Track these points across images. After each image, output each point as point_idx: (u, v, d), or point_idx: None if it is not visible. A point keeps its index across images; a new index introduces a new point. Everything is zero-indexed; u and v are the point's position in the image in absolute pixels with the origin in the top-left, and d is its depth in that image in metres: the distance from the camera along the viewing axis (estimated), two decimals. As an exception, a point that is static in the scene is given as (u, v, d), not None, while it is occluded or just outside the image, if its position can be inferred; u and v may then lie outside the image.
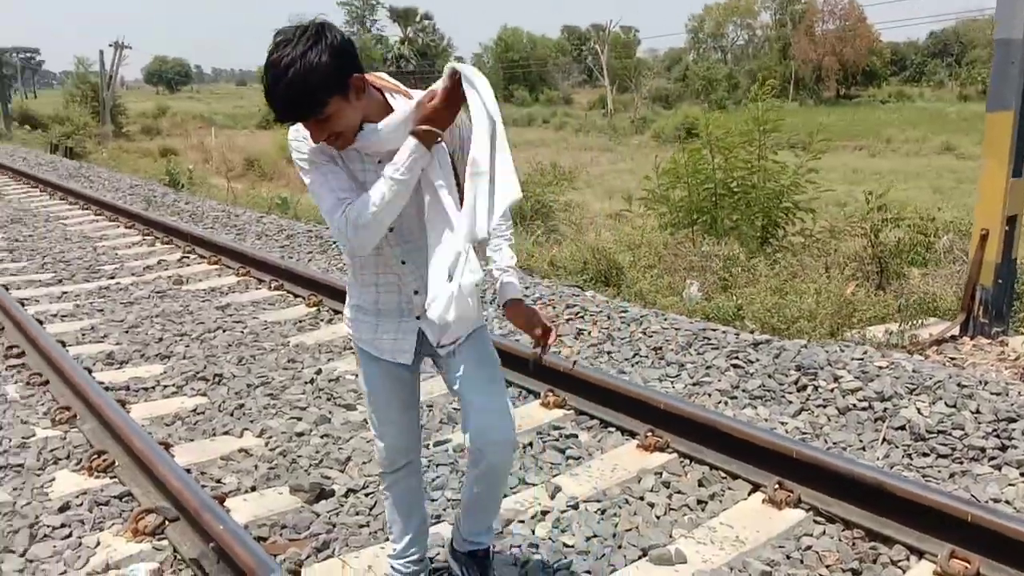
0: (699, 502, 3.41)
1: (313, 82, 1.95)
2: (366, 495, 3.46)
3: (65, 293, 6.86)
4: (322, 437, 4.00)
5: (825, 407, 4.09)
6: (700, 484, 3.54)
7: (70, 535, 3.13)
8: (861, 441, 3.78)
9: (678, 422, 3.82)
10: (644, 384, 4.50)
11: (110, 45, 41.34)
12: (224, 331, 5.72)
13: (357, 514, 3.31)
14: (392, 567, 2.69)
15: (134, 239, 9.21)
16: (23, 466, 3.68)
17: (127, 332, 5.75)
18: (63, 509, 3.31)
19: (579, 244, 8.12)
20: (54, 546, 3.05)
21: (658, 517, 3.31)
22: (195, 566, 2.89)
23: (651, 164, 9.87)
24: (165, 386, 4.73)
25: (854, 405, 4.03)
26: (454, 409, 4.33)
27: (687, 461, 3.74)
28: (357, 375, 2.65)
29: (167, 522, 3.14)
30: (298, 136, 2.16)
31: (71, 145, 25.38)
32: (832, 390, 4.17)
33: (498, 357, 2.55)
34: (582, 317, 5.66)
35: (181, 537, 3.06)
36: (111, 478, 3.58)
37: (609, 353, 5.08)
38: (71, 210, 11.44)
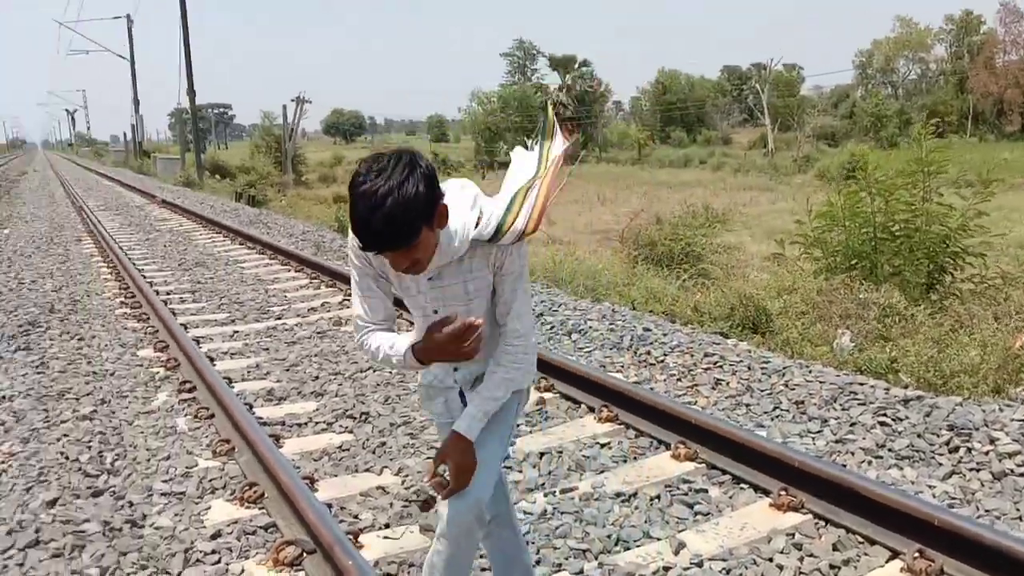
0: (832, 567, 3.26)
1: (411, 213, 1.99)
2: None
3: (236, 332, 7.47)
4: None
5: (978, 471, 3.80)
6: (835, 548, 3.39)
7: (218, 562, 3.42)
8: (1018, 510, 3.49)
9: (814, 482, 3.67)
10: (783, 440, 4.36)
11: (292, 100, 44.61)
12: (374, 371, 6.03)
13: (481, 557, 3.40)
14: None
15: (302, 282, 9.89)
16: (184, 494, 4.05)
17: (287, 370, 6.19)
18: (215, 536, 3.61)
19: (726, 289, 7.95)
20: (204, 571, 3.33)
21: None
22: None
23: (811, 204, 9.54)
24: (317, 422, 5.05)
25: (1011, 470, 3.73)
26: (583, 456, 4.36)
27: (822, 523, 3.59)
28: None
29: (305, 554, 3.36)
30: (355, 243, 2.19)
31: (253, 193, 27.50)
32: (987, 453, 3.88)
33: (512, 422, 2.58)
34: (720, 367, 5.55)
35: (316, 569, 3.26)
36: (259, 509, 3.86)
37: (748, 406, 4.95)
38: (248, 254, 12.44)
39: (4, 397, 5.62)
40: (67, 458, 4.49)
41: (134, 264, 11.08)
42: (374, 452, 4.56)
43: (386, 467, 4.33)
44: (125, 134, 60.39)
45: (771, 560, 3.32)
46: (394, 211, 1.96)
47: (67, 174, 45.37)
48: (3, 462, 4.48)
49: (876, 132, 55.45)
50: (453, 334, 2.11)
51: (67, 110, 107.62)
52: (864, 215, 8.80)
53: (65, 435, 4.82)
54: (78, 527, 3.70)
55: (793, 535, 3.48)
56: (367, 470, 4.32)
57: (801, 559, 3.32)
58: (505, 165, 2.53)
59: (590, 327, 6.75)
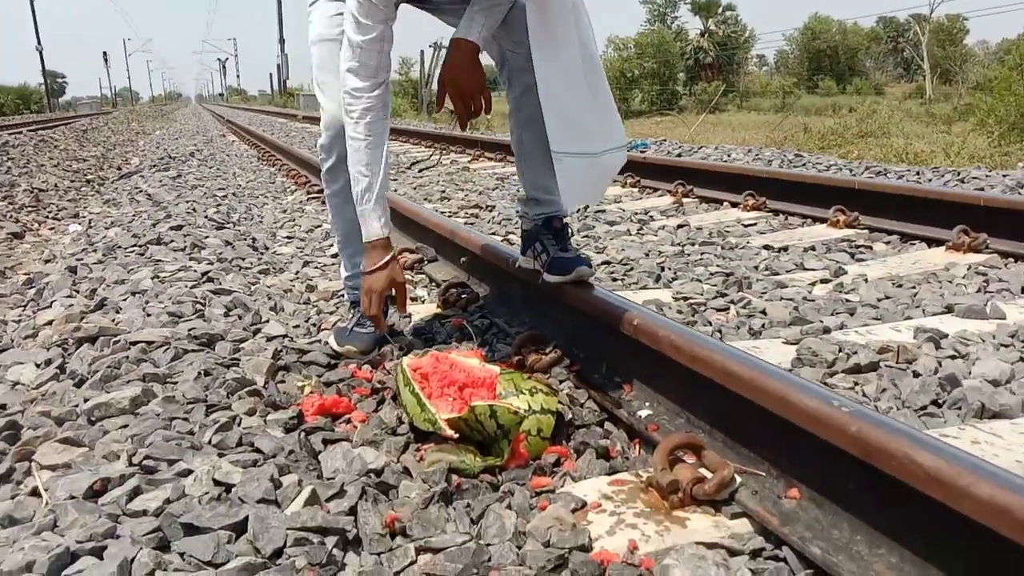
0: (1025, 289, 2.76)
1: None
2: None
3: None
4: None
5: None
6: (1030, 275, 2.87)
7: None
8: None
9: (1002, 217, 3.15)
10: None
11: (430, 45, 45.15)
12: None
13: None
14: (353, 286, 2.34)
15: (433, 151, 9.82)
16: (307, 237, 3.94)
17: (415, 188, 6.05)
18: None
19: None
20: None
21: (968, 291, 2.72)
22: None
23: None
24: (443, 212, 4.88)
25: None
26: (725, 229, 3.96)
27: (1011, 259, 3.07)
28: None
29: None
30: None
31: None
32: None
33: None
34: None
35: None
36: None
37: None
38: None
39: (141, 190, 5.75)
40: (194, 210, 4.49)
41: (272, 139, 11.32)
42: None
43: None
44: (271, 75, 62.65)
45: (951, 282, 2.85)
46: None
47: (214, 109, 47.69)
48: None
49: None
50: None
51: (219, 59, 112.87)
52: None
53: (195, 200, 4.85)
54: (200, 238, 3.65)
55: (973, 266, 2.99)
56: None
57: (986, 281, 2.83)
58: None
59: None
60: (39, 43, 43.42)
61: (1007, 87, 8.70)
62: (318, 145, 2.20)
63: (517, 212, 2.42)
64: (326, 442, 1.58)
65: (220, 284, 2.88)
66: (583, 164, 1.96)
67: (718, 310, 2.62)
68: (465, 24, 2.00)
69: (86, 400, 1.77)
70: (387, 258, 1.99)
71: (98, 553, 1.18)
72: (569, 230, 2.26)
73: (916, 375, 1.96)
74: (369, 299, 2.01)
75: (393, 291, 2.03)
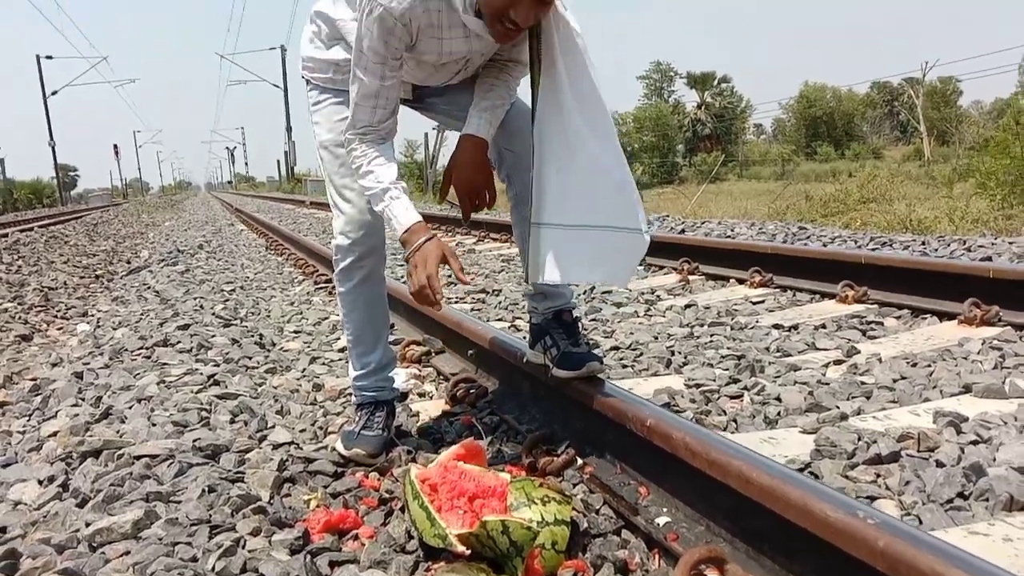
0: (1044, 363, 2.71)
1: None
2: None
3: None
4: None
5: None
6: (1045, 348, 2.83)
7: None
8: None
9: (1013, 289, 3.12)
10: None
11: (433, 128, 46.13)
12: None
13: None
14: (361, 387, 2.28)
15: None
16: (314, 330, 3.93)
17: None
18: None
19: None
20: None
21: (985, 368, 2.68)
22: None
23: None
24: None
25: None
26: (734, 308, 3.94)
27: (1026, 332, 3.03)
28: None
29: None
30: (391, 11, 1.81)
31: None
32: None
33: None
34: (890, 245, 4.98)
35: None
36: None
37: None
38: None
39: (149, 286, 5.78)
40: (202, 307, 4.50)
41: (279, 227, 11.45)
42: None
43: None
44: (279, 162, 63.93)
45: (966, 358, 2.81)
46: None
47: (223, 197, 48.48)
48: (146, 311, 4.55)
49: (1047, 142, 51.12)
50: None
51: (227, 147, 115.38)
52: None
53: (203, 297, 4.86)
54: (206, 339, 3.64)
55: (988, 340, 2.95)
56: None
57: (1002, 356, 2.78)
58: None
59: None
60: (51, 139, 44.54)
61: (1003, 150, 8.79)
62: (333, 245, 2.20)
63: (526, 306, 2.40)
64: (333, 564, 1.53)
65: (226, 387, 2.85)
66: (558, 235, 1.95)
67: (731, 397, 2.57)
68: (473, 122, 2.04)
69: (88, 524, 1.72)
70: (429, 235, 1.90)
71: None
72: (580, 323, 2.24)
73: (939, 464, 1.90)
74: (421, 270, 1.86)
75: (446, 261, 1.89)
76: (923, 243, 5.00)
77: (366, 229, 2.12)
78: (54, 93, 44.43)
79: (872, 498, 1.77)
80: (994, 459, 1.93)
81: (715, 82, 60.58)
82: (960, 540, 1.55)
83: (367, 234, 2.13)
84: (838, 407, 2.35)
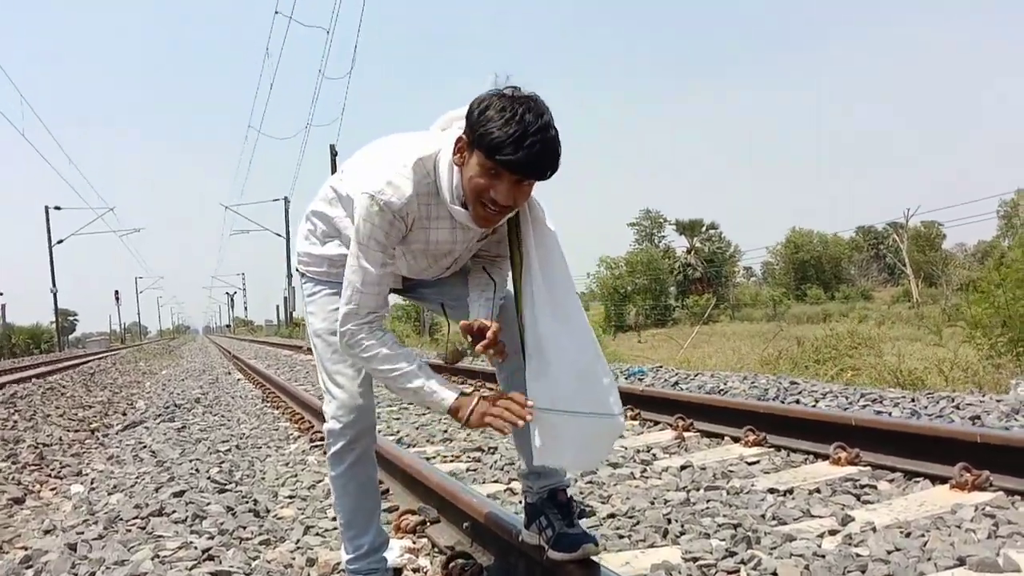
0: (1038, 530, 2.73)
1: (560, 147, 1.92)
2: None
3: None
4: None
5: None
6: (1036, 515, 2.85)
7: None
8: None
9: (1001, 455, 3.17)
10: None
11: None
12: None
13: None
14: (354, 570, 2.32)
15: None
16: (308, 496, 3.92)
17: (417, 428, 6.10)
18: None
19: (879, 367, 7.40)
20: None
21: (978, 538, 2.69)
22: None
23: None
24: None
25: None
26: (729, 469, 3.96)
27: (1017, 497, 3.06)
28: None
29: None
30: (391, 206, 1.98)
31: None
32: None
33: None
34: (881, 402, 5.05)
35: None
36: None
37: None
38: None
39: (145, 445, 5.78)
40: (197, 471, 4.50)
41: (275, 377, 11.49)
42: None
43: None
44: (278, 307, 64.62)
45: (959, 527, 2.82)
46: (556, 137, 1.89)
47: (220, 342, 48.64)
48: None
49: (1032, 283, 52.03)
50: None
51: (227, 293, 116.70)
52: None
53: (198, 458, 4.86)
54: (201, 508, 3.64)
55: (981, 507, 2.97)
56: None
57: (995, 525, 2.80)
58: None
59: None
60: (54, 286, 45.18)
61: (986, 298, 9.03)
62: (325, 430, 2.27)
63: (521, 484, 2.44)
64: None
65: (220, 563, 2.84)
66: (565, 421, 2.02)
67: (728, 572, 2.57)
68: (475, 310, 2.16)
69: None
70: (473, 401, 1.99)
71: None
72: (575, 504, 2.28)
73: (937, 650, 1.91)
74: (493, 419, 1.96)
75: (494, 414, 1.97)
76: (913, 400, 5.08)
77: (357, 413, 2.21)
78: (60, 242, 45.36)
79: None
80: (991, 643, 1.93)
81: (703, 228, 62.32)
82: None
83: (358, 418, 2.21)
84: (834, 584, 2.35)
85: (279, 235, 51.78)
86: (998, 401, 4.73)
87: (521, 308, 2.08)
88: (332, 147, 26.45)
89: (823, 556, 2.62)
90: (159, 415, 7.81)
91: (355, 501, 2.28)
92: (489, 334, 2.03)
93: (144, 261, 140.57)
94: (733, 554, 2.69)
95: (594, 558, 2.11)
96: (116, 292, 73.94)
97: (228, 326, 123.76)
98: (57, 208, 44.87)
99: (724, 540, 2.85)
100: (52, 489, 5.35)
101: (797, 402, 5.53)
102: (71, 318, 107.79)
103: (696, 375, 7.54)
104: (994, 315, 8.69)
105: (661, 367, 8.93)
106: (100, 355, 32.12)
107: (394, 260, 2.09)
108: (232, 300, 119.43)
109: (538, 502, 2.25)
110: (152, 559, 2.90)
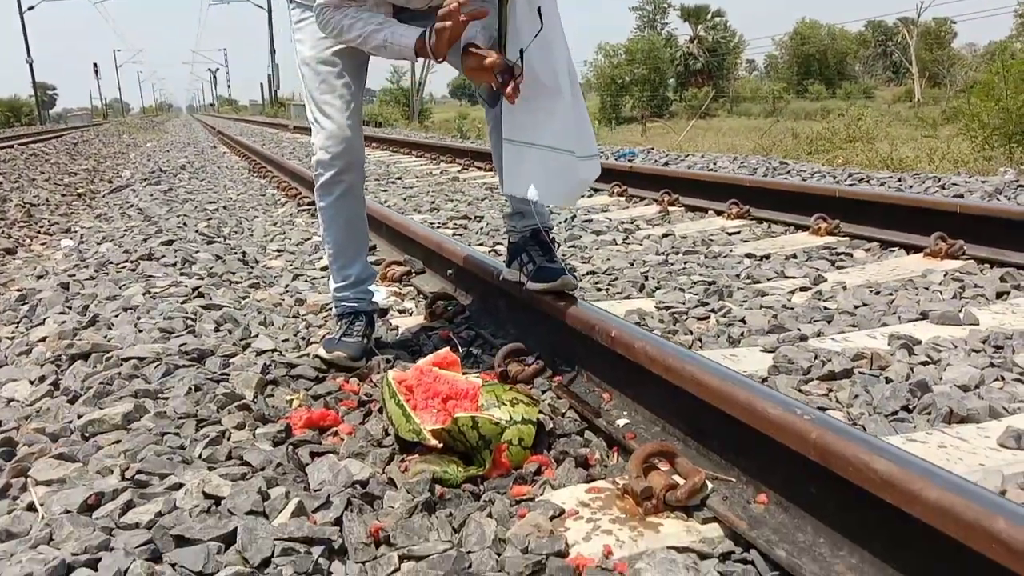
0: (999, 295, 2.82)
1: None
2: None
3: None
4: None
5: None
6: (1002, 280, 2.94)
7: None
8: None
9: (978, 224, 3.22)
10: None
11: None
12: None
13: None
14: (341, 299, 2.35)
15: (423, 161, 9.88)
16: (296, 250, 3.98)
17: (405, 200, 6.11)
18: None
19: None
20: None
21: (944, 298, 2.79)
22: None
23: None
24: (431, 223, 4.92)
25: None
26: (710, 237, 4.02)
27: (986, 265, 3.14)
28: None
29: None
30: None
31: (380, 122, 28.53)
32: None
33: None
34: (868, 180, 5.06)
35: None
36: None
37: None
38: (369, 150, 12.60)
39: (132, 204, 5.79)
40: (185, 224, 4.54)
41: (262, 150, 11.36)
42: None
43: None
44: (262, 85, 62.69)
45: (927, 288, 2.92)
46: None
47: (205, 119, 47.70)
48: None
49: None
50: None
51: (210, 69, 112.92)
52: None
53: (186, 215, 4.89)
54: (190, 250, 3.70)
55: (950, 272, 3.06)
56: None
57: (962, 287, 2.90)
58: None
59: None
60: (29, 55, 43.40)
61: (988, 93, 8.82)
62: (313, 161, 2.25)
63: (504, 226, 2.47)
64: (313, 455, 1.63)
65: (211, 299, 2.93)
66: (534, 154, 2.01)
67: (699, 319, 2.67)
68: (470, 32, 2.05)
69: (79, 416, 1.81)
70: (426, 31, 1.96)
71: (93, 565, 1.23)
72: (556, 243, 2.32)
73: (888, 381, 2.02)
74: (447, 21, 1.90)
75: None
76: (899, 180, 5.09)
77: (346, 144, 2.18)
78: (31, 8, 43.08)
79: (822, 409, 1.89)
80: (940, 378, 2.05)
81: (709, 15, 59.53)
82: (898, 446, 1.67)
83: (347, 149, 2.18)
84: (799, 329, 2.46)
85: (260, 6, 49.27)
86: (983, 182, 4.75)
87: (504, 42, 2.00)
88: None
89: (792, 308, 2.72)
90: (145, 179, 7.77)
91: (344, 232, 2.31)
92: (488, 62, 1.95)
93: (122, 34, 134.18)
94: (705, 304, 2.79)
95: (571, 292, 2.18)
96: (95, 64, 71.42)
97: (212, 104, 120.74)
98: (24, -31, 42.19)
99: (697, 294, 2.94)
100: (42, 244, 5.41)
101: (785, 179, 5.54)
102: (50, 92, 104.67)
103: (687, 156, 7.50)
104: (993, 108, 8.54)
105: (652, 148, 8.86)
106: (84, 128, 31.52)
107: None
108: (215, 77, 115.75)
109: (520, 241, 2.29)
110: (143, 295, 2.98)
